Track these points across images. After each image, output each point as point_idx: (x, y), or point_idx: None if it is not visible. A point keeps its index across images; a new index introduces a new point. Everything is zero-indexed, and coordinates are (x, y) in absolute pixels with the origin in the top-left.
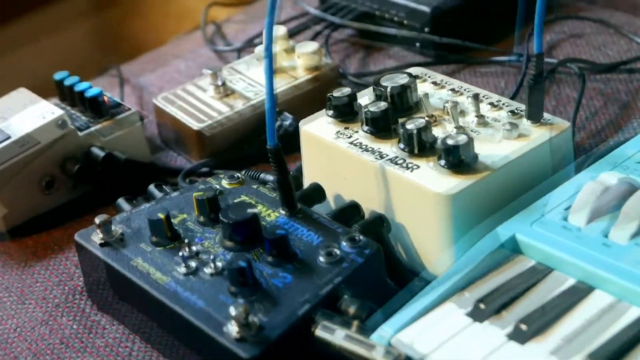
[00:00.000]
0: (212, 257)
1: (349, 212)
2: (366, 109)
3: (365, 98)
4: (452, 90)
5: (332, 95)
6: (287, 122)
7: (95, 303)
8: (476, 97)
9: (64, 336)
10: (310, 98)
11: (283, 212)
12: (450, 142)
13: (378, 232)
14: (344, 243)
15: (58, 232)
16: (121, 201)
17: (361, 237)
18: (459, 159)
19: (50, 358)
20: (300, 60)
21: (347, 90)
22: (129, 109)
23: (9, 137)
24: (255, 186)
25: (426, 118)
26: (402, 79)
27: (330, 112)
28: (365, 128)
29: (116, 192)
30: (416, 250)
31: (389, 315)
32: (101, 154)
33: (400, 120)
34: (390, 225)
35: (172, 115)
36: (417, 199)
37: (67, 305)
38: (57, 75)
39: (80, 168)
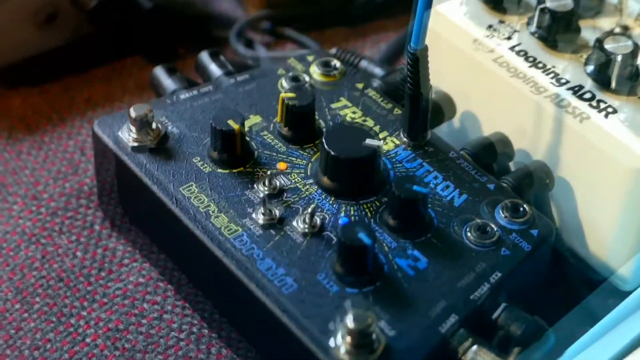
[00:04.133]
0: (303, 203)
1: (494, 149)
2: (543, 5)
3: None
4: None
5: None
6: None
7: (110, 228)
8: None
9: (61, 268)
10: None
11: (405, 140)
12: None
13: (535, 191)
14: (500, 212)
15: (56, 89)
16: (160, 72)
17: (527, 208)
18: None
19: (42, 302)
20: None
21: None
22: None
23: None
24: (360, 85)
25: (619, 28)
26: None
27: None
28: (535, 29)
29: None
30: (583, 228)
31: (565, 340)
32: None
33: (595, 36)
34: (553, 180)
35: None
36: (608, 162)
37: (68, 215)
38: None
39: (100, 5)
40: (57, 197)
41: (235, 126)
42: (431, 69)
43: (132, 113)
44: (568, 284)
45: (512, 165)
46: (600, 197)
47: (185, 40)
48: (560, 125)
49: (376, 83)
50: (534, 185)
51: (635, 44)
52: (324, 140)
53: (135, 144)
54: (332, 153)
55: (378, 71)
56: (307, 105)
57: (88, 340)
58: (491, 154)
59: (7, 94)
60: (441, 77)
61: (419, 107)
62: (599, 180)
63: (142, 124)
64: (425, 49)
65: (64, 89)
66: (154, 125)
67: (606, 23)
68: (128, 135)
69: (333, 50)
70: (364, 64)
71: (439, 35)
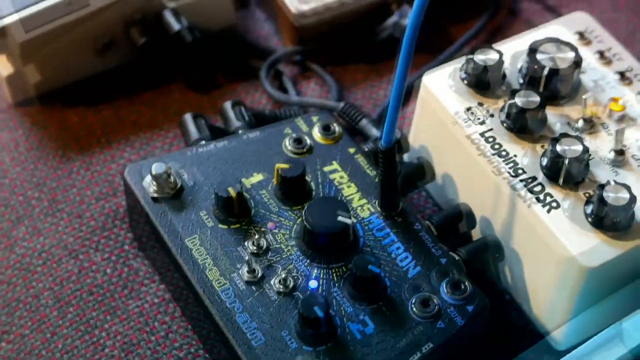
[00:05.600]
0: (283, 263)
1: (458, 220)
2: (512, 101)
3: (518, 60)
4: (621, 75)
5: (471, 58)
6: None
7: (140, 248)
8: None
9: (93, 283)
10: None
11: (379, 209)
12: (608, 197)
13: (485, 260)
14: (444, 287)
15: (108, 111)
16: (187, 119)
17: (468, 286)
18: (612, 221)
19: (74, 312)
20: None
21: (492, 55)
22: None
23: None
24: (352, 150)
25: (582, 120)
26: (565, 52)
27: (464, 75)
28: (505, 119)
29: (182, 69)
30: (528, 293)
31: None
32: (175, 25)
33: (562, 124)
34: (503, 254)
35: None
36: (545, 248)
37: (104, 235)
38: None
39: (148, 42)
40: (97, 216)
41: (233, 194)
42: (419, 127)
43: (153, 170)
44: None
45: (474, 232)
46: (541, 273)
47: (225, 68)
48: (513, 207)
49: (370, 145)
50: (484, 258)
51: (585, 148)
52: (304, 212)
53: (155, 195)
54: (308, 226)
55: (374, 132)
56: (297, 177)
57: (107, 350)
58: (455, 224)
59: (66, 112)
60: (426, 136)
61: (389, 189)
62: (540, 260)
63: (162, 180)
64: (394, 147)
65: (115, 111)
66: (172, 179)
67: (575, 111)
68: (149, 187)
69: (341, 105)
70: (363, 123)
71: (426, 102)
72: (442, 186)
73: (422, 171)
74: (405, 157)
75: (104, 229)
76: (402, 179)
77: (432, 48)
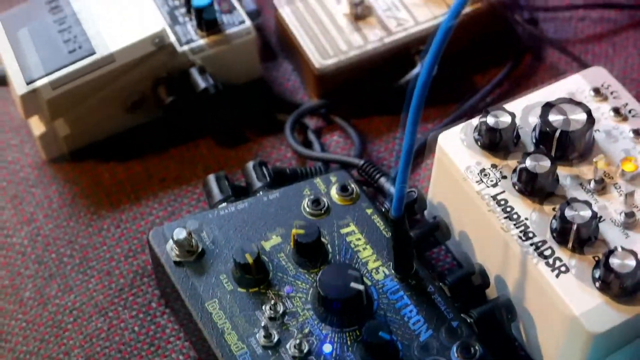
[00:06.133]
0: (298, 326)
1: (471, 279)
2: (523, 164)
3: (532, 117)
4: (635, 133)
5: (484, 120)
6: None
7: (166, 305)
8: None
9: (122, 341)
10: (467, 39)
11: (394, 271)
12: (614, 264)
13: (499, 320)
14: (455, 351)
15: (137, 167)
16: (210, 180)
17: (478, 349)
18: (619, 287)
19: None
20: None
21: (504, 117)
22: (243, 22)
23: (92, 54)
24: (369, 211)
25: (593, 181)
26: (578, 113)
27: (477, 136)
28: (517, 181)
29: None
30: (541, 352)
31: None
32: (202, 83)
33: (573, 186)
34: (516, 314)
35: (293, 34)
36: (554, 311)
37: (132, 292)
38: None
39: (175, 101)
40: (126, 273)
41: (250, 260)
42: (436, 184)
43: (175, 236)
44: None
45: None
46: (551, 334)
47: (251, 122)
48: (524, 268)
49: (387, 204)
50: (496, 319)
51: (594, 213)
52: (318, 279)
53: (177, 259)
54: (322, 292)
55: (392, 191)
56: (313, 242)
57: None
58: (468, 284)
59: (97, 169)
60: (443, 193)
61: (402, 254)
62: (550, 321)
63: (184, 244)
64: (403, 216)
65: (145, 167)
66: (193, 242)
67: (588, 171)
68: (172, 251)
69: (361, 162)
70: (382, 181)
71: (441, 161)
72: (460, 243)
73: (438, 230)
74: (426, 212)
75: (132, 286)
76: (418, 237)
77: (455, 97)
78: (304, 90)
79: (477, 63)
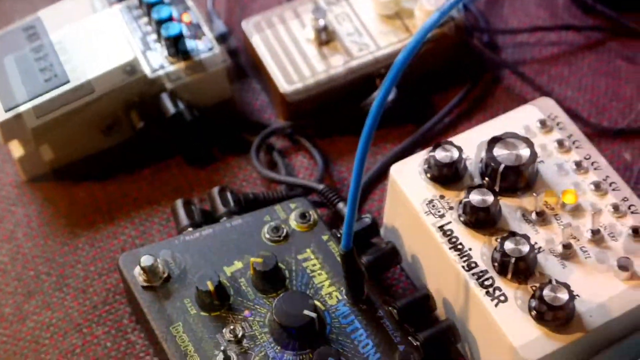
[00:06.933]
0: (257, 350)
1: (420, 304)
2: (467, 198)
3: (481, 150)
4: (577, 165)
5: (433, 157)
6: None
7: (136, 322)
8: (598, 213)
9: (95, 356)
10: (429, 62)
11: (346, 297)
12: (547, 297)
13: (445, 344)
14: None
15: (113, 187)
16: (178, 205)
17: None
18: (552, 317)
19: None
20: (421, 14)
21: (452, 152)
22: (212, 48)
23: (67, 82)
24: (325, 237)
25: (535, 213)
26: (521, 148)
27: (427, 168)
28: (462, 213)
29: (182, 146)
30: None
31: None
32: (171, 109)
33: (516, 217)
34: (459, 337)
35: (261, 60)
36: (494, 337)
37: (105, 309)
38: None
39: (146, 126)
40: (99, 291)
41: (211, 287)
42: (389, 210)
43: (142, 263)
44: None
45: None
46: (491, 354)
47: (220, 142)
48: (467, 297)
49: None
50: (442, 342)
51: (531, 247)
52: (273, 306)
53: (145, 284)
54: (277, 319)
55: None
56: (270, 270)
57: None
58: (417, 308)
59: (74, 188)
60: (396, 219)
61: (353, 283)
62: (491, 347)
63: (151, 270)
64: (352, 250)
65: (119, 187)
66: (160, 268)
67: (531, 203)
68: (139, 276)
69: (321, 186)
70: (340, 206)
71: (394, 189)
72: (412, 266)
73: (391, 255)
74: (382, 231)
75: (105, 304)
76: (371, 262)
77: (415, 119)
78: (272, 109)
79: (438, 85)
